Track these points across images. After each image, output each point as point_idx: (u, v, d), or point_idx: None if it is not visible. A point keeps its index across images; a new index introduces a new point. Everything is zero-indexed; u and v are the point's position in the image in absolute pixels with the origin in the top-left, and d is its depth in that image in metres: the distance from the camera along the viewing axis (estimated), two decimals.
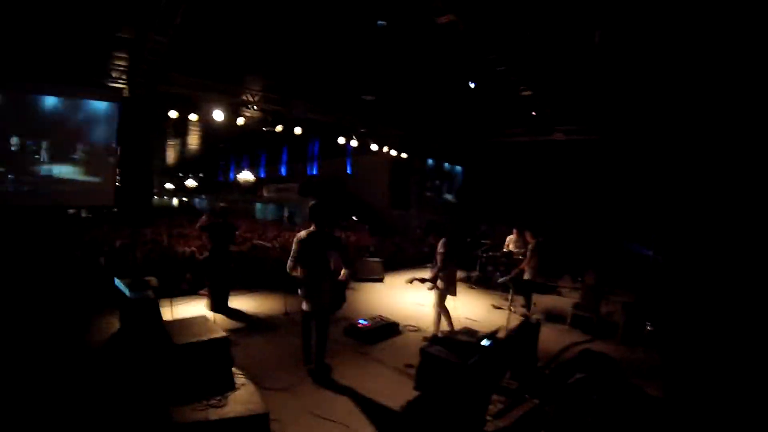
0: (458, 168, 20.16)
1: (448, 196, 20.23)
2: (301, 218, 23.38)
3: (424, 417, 4.38)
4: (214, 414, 3.70)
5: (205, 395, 3.88)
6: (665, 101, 10.50)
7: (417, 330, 7.56)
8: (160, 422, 3.70)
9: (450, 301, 6.96)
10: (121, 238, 10.01)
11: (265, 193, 28.63)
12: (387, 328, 7.29)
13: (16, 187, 9.98)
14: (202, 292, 8.82)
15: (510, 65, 9.92)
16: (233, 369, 4.43)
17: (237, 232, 9.30)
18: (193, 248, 10.40)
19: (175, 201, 44.44)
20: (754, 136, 9.68)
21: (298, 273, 5.47)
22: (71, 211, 17.51)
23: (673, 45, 8.36)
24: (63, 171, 10.53)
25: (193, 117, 11.58)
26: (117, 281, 6.53)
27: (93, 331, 6.63)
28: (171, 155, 31.65)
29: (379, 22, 9.03)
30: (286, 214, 26.71)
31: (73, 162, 10.61)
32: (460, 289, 7.56)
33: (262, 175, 31.89)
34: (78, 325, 6.82)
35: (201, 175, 40.29)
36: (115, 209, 11.20)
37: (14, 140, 9.96)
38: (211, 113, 11.56)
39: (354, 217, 21.86)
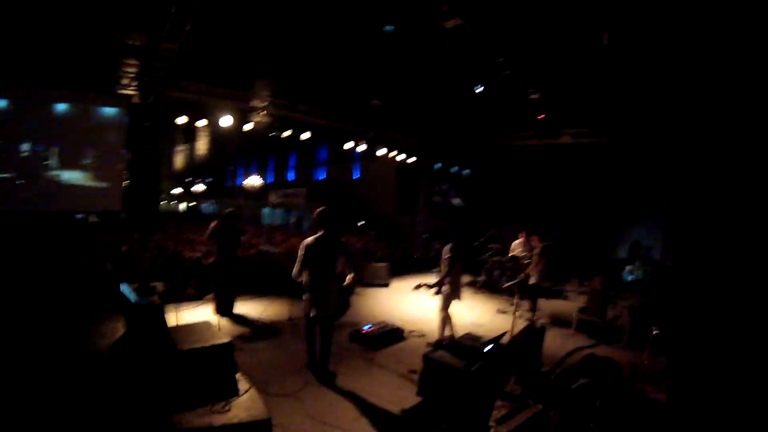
0: (466, 172, 20.10)
1: (456, 201, 20.17)
2: (309, 223, 23.44)
3: (427, 423, 4.38)
4: (217, 420, 3.71)
5: (209, 401, 3.90)
6: (673, 103, 10.43)
7: (422, 335, 7.55)
8: (164, 428, 3.72)
9: (456, 306, 6.96)
10: (128, 243, 10.08)
11: (272, 199, 28.70)
12: (392, 334, 7.28)
13: (26, 192, 10.10)
14: (207, 297, 8.86)
15: (518, 68, 9.91)
16: (237, 374, 4.45)
17: (243, 238, 9.33)
18: (199, 253, 10.45)
19: (182, 206, 44.66)
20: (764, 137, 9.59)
21: (304, 278, 5.48)
22: (80, 216, 17.69)
23: (680, 45, 8.34)
24: (72, 177, 10.64)
25: (201, 123, 11.66)
26: (123, 286, 6.58)
27: (98, 336, 6.66)
28: (179, 160, 31.89)
29: (386, 28, 9.08)
30: (293, 219, 26.79)
31: (82, 168, 10.72)
32: (467, 293, 7.57)
33: (270, 180, 31.98)
34: (83, 330, 6.86)
35: (209, 179, 40.45)
36: (123, 214, 11.29)
37: (25, 146, 10.08)
38: (219, 119, 11.63)
39: (361, 222, 21.88)
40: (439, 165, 18.30)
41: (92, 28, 8.65)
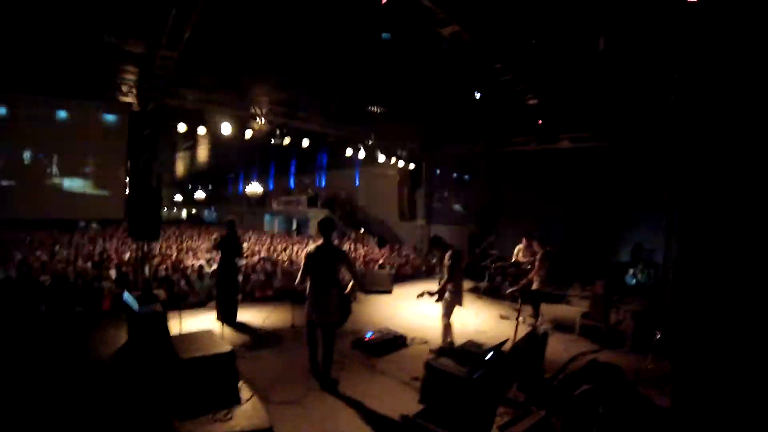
0: (467, 177, 20.12)
1: (457, 207, 20.19)
2: (308, 230, 23.53)
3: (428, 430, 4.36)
4: (219, 428, 3.72)
5: (211, 409, 3.90)
6: (669, 106, 10.44)
7: (424, 342, 7.52)
8: None
9: (459, 312, 6.95)
10: (130, 251, 10.10)
11: (273, 206, 28.77)
12: (394, 341, 7.26)
13: (28, 200, 10.13)
14: (210, 304, 8.86)
15: (516, 74, 9.92)
16: (240, 383, 4.45)
17: (245, 245, 9.36)
18: (202, 261, 10.47)
19: (184, 213, 44.80)
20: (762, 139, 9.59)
21: (307, 286, 5.57)
22: (82, 223, 17.77)
23: (676, 49, 8.35)
24: (74, 184, 10.68)
25: (201, 131, 11.68)
26: (125, 294, 6.59)
27: (101, 344, 6.67)
28: (180, 167, 31.98)
29: (384, 35, 9.11)
30: (294, 227, 26.86)
31: (83, 175, 10.76)
32: (469, 299, 7.55)
33: (271, 188, 32.07)
34: (87, 338, 6.87)
35: (210, 187, 40.61)
36: (125, 222, 11.32)
37: (26, 154, 10.12)
38: (219, 126, 11.66)
39: (362, 229, 21.93)
40: (439, 171, 18.35)
41: (91, 35, 8.68)
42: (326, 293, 5.46)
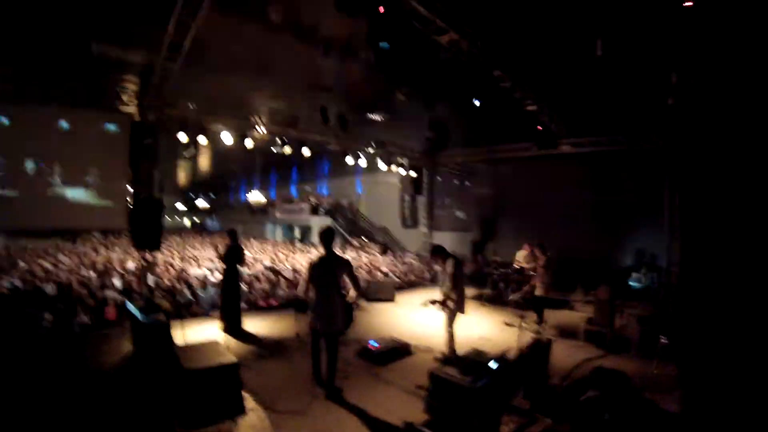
0: (468, 184, 20.14)
1: (459, 213, 20.19)
2: (310, 238, 23.53)
3: None
4: None
5: (215, 420, 3.90)
6: (668, 109, 10.45)
7: (429, 351, 7.49)
8: None
9: (463, 320, 6.92)
10: (133, 261, 10.11)
11: (276, 214, 28.80)
12: (398, 349, 7.24)
13: (30, 209, 10.15)
14: (214, 314, 8.84)
15: (514, 81, 9.94)
16: (244, 393, 4.45)
17: (247, 253, 9.36)
18: (206, 270, 10.48)
19: (186, 222, 44.85)
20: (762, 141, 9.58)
21: (310, 295, 5.59)
22: (84, 233, 17.80)
23: (673, 52, 8.37)
24: (76, 194, 10.70)
25: (202, 140, 11.69)
26: (129, 304, 6.59)
27: (106, 354, 6.66)
28: (182, 176, 32.07)
29: (381, 44, 9.14)
30: (297, 235, 26.87)
31: (85, 185, 10.78)
32: (473, 306, 7.52)
33: (273, 196, 32.12)
34: (91, 348, 6.87)
35: (212, 195, 40.70)
36: (128, 232, 11.32)
37: (29, 164, 10.15)
38: (220, 136, 11.69)
39: (364, 237, 21.94)
40: (440, 178, 18.37)
41: (93, 44, 8.75)
42: (329, 302, 5.46)
